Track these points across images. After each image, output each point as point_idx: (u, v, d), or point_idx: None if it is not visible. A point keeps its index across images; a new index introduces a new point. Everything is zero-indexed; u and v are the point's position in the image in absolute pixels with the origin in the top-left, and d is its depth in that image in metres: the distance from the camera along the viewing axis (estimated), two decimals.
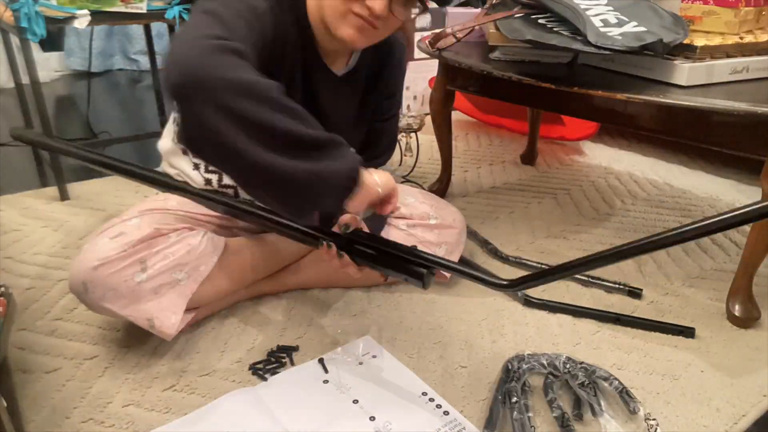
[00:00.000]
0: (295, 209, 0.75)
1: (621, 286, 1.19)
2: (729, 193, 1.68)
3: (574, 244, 1.39)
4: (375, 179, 0.77)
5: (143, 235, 0.92)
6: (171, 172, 1.12)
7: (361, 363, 0.97)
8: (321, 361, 0.96)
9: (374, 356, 0.99)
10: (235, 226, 1.12)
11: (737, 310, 1.08)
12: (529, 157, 1.91)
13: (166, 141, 1.14)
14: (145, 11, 1.53)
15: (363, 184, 0.75)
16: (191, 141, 0.70)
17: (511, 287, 0.78)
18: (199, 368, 0.96)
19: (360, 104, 1.08)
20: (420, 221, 1.12)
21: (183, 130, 0.69)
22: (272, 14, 0.85)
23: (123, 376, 0.94)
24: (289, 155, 0.68)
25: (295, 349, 0.99)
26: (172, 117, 1.06)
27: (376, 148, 1.15)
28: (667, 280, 1.24)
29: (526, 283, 0.76)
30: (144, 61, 3.34)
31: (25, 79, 1.58)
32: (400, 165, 1.82)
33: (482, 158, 1.97)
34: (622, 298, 1.18)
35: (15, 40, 1.59)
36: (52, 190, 1.63)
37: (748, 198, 1.62)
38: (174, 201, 1.03)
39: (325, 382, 0.91)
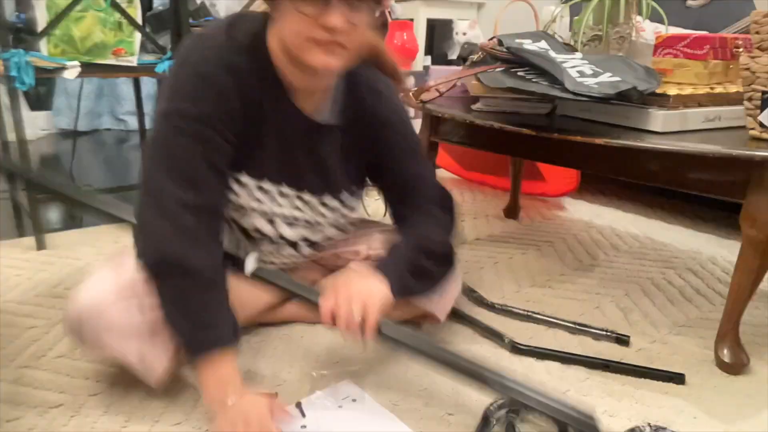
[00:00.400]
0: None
1: (608, 333, 1.17)
2: (709, 246, 1.70)
3: (559, 293, 1.38)
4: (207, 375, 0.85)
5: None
6: None
7: (340, 407, 0.93)
8: (299, 405, 0.91)
9: (354, 400, 0.95)
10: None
11: (726, 356, 1.06)
12: (512, 211, 1.93)
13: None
14: (135, 64, 1.57)
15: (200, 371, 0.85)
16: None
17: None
18: (171, 418, 0.91)
19: (347, 156, 1.02)
20: None
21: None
22: (234, 86, 0.86)
23: (89, 425, 0.88)
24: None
25: (273, 395, 0.95)
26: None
27: (403, 199, 1.06)
28: (653, 328, 1.23)
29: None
30: (132, 121, 3.38)
31: (11, 137, 1.58)
32: (384, 216, 1.82)
33: (466, 212, 1.98)
34: (610, 346, 1.16)
35: (4, 100, 1.59)
36: (29, 240, 1.59)
37: (728, 252, 1.64)
38: None
39: (303, 427, 0.87)
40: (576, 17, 1.44)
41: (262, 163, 0.96)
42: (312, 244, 1.09)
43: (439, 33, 3.92)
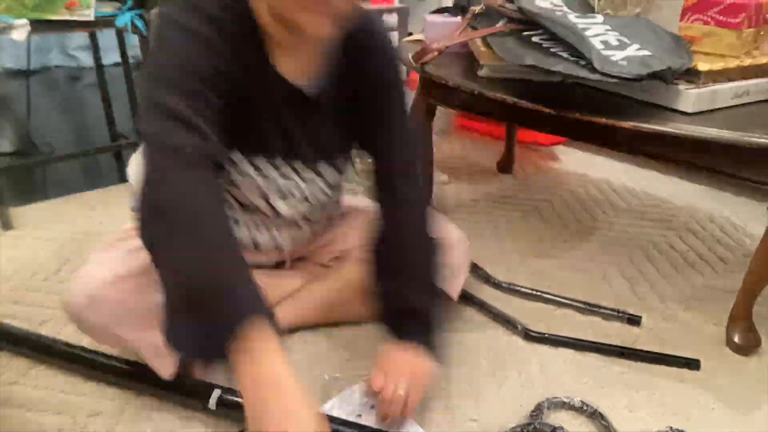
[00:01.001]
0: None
1: (620, 314, 1.16)
2: (705, 201, 1.68)
3: (564, 263, 1.36)
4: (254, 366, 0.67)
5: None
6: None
7: (359, 415, 0.90)
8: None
9: (372, 407, 0.92)
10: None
11: (737, 338, 1.06)
12: (506, 165, 1.86)
13: (136, 171, 1.00)
14: (92, 18, 1.37)
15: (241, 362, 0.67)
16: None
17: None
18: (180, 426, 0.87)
19: (341, 120, 0.92)
20: None
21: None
22: (224, 31, 0.75)
23: None
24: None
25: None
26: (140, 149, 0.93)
27: (391, 186, 0.94)
28: (661, 303, 1.22)
29: None
30: (83, 57, 3.09)
31: None
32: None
33: (458, 167, 1.91)
34: (622, 326, 1.15)
35: None
36: None
37: (725, 208, 1.63)
38: None
39: None
40: None
41: (257, 139, 0.88)
42: (311, 222, 1.03)
43: None
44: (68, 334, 1.06)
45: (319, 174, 0.97)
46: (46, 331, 1.08)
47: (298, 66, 0.84)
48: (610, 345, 1.07)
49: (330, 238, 1.12)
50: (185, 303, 0.67)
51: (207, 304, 0.65)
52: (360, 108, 0.91)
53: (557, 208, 1.63)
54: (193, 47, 0.73)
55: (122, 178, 1.71)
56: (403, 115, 0.95)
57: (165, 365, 0.88)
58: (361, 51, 0.88)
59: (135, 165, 1.03)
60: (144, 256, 0.73)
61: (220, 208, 0.75)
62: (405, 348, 0.87)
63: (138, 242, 0.71)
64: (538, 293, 1.22)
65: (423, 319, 0.90)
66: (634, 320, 1.15)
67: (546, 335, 1.09)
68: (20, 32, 1.27)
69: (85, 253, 1.33)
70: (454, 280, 1.08)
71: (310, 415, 0.64)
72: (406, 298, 0.89)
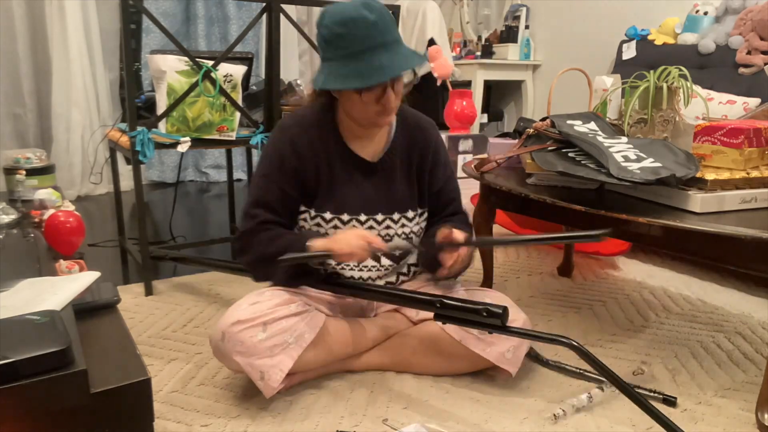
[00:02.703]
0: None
1: (656, 394, 1.27)
2: (760, 310, 1.76)
3: (610, 352, 1.49)
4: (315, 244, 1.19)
5: (272, 305, 1.19)
6: None
7: None
8: None
9: None
10: (339, 303, 1.35)
11: (766, 419, 1.14)
12: (565, 270, 2.05)
13: None
14: (234, 138, 1.83)
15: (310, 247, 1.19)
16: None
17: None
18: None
19: (407, 181, 1.33)
20: None
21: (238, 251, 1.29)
22: (298, 150, 1.24)
23: None
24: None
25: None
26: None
27: (443, 209, 1.38)
28: (699, 390, 1.31)
29: None
30: (213, 174, 3.73)
31: (110, 188, 1.88)
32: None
33: (521, 269, 2.11)
34: (657, 406, 1.25)
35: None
36: (139, 286, 1.85)
37: None
38: None
39: None
40: (624, 99, 1.59)
41: (339, 202, 1.28)
42: (392, 270, 1.36)
43: (495, 92, 4.12)
44: (188, 368, 1.36)
45: (395, 222, 1.31)
46: (171, 367, 1.38)
47: (365, 144, 1.29)
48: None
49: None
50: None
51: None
52: (416, 166, 1.33)
53: (610, 309, 1.78)
54: (278, 169, 1.25)
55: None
56: (447, 165, 1.38)
57: (266, 387, 1.16)
58: (409, 125, 1.33)
59: None
60: (256, 309, 1.17)
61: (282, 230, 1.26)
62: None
63: (257, 298, 1.21)
64: (581, 371, 1.36)
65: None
66: (669, 401, 1.26)
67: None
68: (183, 146, 1.73)
69: (206, 315, 1.68)
70: (513, 357, 1.29)
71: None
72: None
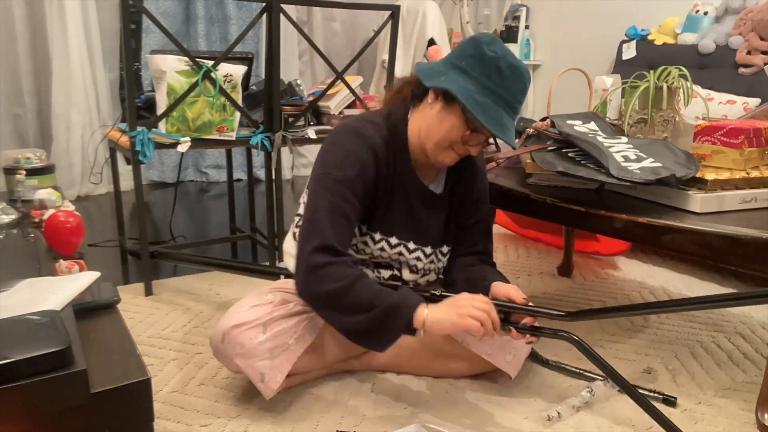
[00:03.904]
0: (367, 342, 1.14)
1: (656, 394, 1.27)
2: (760, 310, 1.76)
3: (610, 353, 1.49)
4: (431, 317, 1.06)
5: (272, 306, 1.19)
6: (291, 263, 1.32)
7: None
8: None
9: None
10: None
11: (766, 419, 1.14)
12: (565, 270, 2.05)
13: (290, 244, 1.34)
14: (234, 138, 1.83)
15: (426, 323, 1.06)
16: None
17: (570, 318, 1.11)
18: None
19: (448, 209, 1.31)
20: None
21: (301, 284, 1.13)
22: (373, 161, 1.15)
23: None
24: (365, 334, 1.10)
25: None
26: (294, 223, 1.34)
27: (473, 243, 1.34)
28: (699, 390, 1.31)
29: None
30: (213, 173, 3.73)
31: (110, 188, 1.88)
32: None
33: (521, 269, 2.11)
34: (658, 406, 1.25)
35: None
36: (138, 286, 1.85)
37: None
38: (293, 284, 1.27)
39: None
40: (624, 99, 1.59)
41: (392, 223, 1.23)
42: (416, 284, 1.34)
43: None
44: (188, 368, 1.36)
45: (438, 256, 1.31)
46: (171, 367, 1.38)
47: (429, 174, 1.25)
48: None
49: None
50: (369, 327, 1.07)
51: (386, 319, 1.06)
52: (458, 200, 1.31)
53: None
54: (358, 154, 1.14)
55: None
56: (487, 210, 1.38)
57: (266, 389, 1.16)
58: (465, 164, 1.26)
59: (290, 239, 1.36)
60: (256, 311, 1.16)
61: (359, 272, 1.12)
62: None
63: (258, 300, 1.18)
64: (581, 371, 1.36)
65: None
66: (669, 401, 1.26)
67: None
68: (183, 146, 1.73)
69: (206, 315, 1.68)
70: (514, 360, 1.30)
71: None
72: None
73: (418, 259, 1.27)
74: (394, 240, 1.23)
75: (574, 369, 1.38)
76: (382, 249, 1.23)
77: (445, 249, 1.32)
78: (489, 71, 1.08)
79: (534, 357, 1.44)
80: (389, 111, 1.23)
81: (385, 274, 1.27)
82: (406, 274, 1.28)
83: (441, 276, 1.36)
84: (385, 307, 1.05)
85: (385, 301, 1.06)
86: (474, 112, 1.06)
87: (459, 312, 1.05)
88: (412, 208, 1.23)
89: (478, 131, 1.13)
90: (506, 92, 1.09)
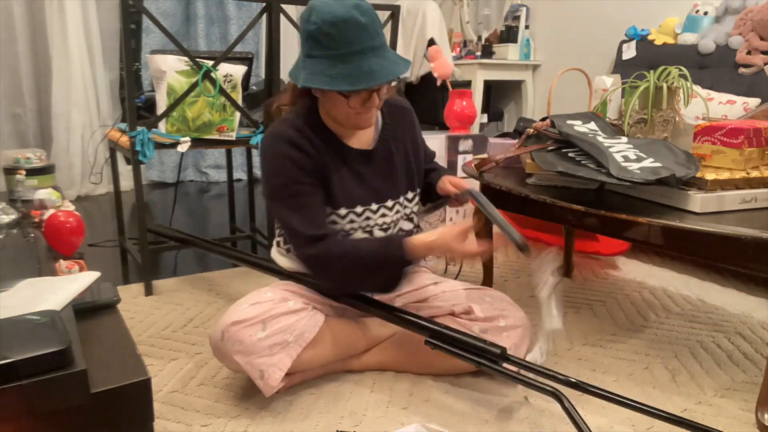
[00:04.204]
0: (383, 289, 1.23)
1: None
2: (760, 310, 1.76)
3: (610, 353, 1.49)
4: (415, 244, 1.17)
5: (272, 303, 1.20)
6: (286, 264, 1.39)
7: None
8: None
9: None
10: (341, 306, 1.34)
11: (766, 419, 1.14)
12: (565, 270, 2.05)
13: (278, 256, 1.41)
14: (234, 138, 1.83)
15: (416, 250, 1.17)
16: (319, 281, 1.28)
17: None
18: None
19: (405, 163, 1.36)
20: (491, 324, 1.30)
21: (313, 275, 1.27)
22: (301, 151, 1.20)
23: None
24: (371, 278, 1.21)
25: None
26: (277, 233, 1.41)
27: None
28: (699, 390, 1.31)
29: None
30: (213, 173, 3.73)
31: (110, 188, 1.88)
32: (445, 273, 1.99)
33: (521, 269, 2.11)
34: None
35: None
36: (138, 286, 1.85)
37: None
38: (293, 284, 1.31)
39: None
40: (624, 98, 1.59)
41: (349, 194, 1.26)
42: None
43: (495, 92, 4.13)
44: (189, 368, 1.36)
45: (401, 206, 1.36)
46: (171, 367, 1.38)
47: (358, 135, 1.29)
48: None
49: (418, 297, 1.40)
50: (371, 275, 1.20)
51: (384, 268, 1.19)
52: (411, 146, 1.37)
53: (610, 308, 1.78)
54: (295, 174, 1.20)
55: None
56: (423, 140, 1.45)
57: (265, 386, 1.16)
58: (392, 109, 1.35)
59: (276, 252, 1.43)
60: (256, 308, 1.17)
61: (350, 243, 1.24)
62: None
63: (258, 298, 1.20)
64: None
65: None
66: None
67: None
68: (183, 146, 1.73)
69: (206, 315, 1.68)
70: (515, 352, 1.30)
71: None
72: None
73: (383, 215, 1.31)
74: (359, 209, 1.27)
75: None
76: (351, 221, 1.27)
77: (410, 195, 1.38)
78: (321, 42, 1.11)
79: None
80: (295, 107, 1.28)
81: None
82: (379, 234, 1.32)
83: (413, 221, 1.41)
84: (381, 255, 1.18)
85: (378, 247, 1.20)
86: (333, 88, 1.12)
87: (439, 237, 1.18)
88: (358, 173, 1.27)
89: (359, 93, 1.14)
90: (348, 46, 1.10)
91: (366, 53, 1.10)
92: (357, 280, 1.22)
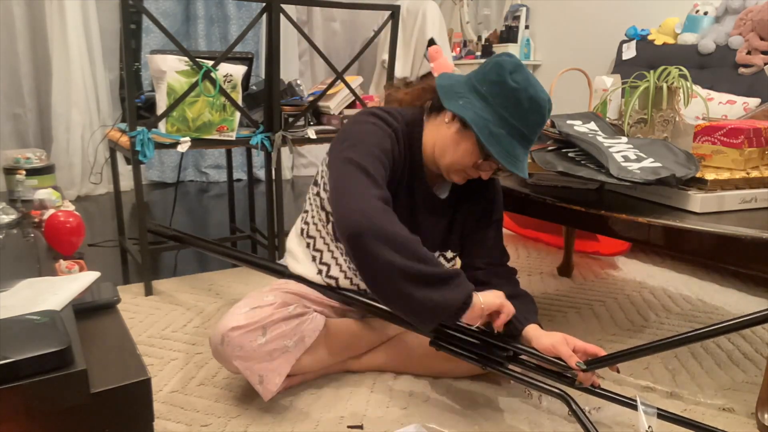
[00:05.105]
0: (419, 323, 1.07)
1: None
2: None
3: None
4: (481, 301, 1.05)
5: (272, 308, 1.18)
6: (291, 262, 1.33)
7: None
8: None
9: None
10: (343, 308, 1.33)
11: (766, 419, 1.14)
12: (565, 270, 2.05)
13: (294, 242, 1.35)
14: (234, 138, 1.83)
15: (473, 306, 1.03)
16: (360, 269, 1.04)
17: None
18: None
19: (451, 215, 1.30)
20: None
21: (355, 263, 1.04)
22: (394, 147, 1.15)
23: None
24: (421, 287, 1.01)
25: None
26: (302, 219, 1.34)
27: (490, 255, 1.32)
28: (699, 390, 1.31)
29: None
30: (213, 173, 3.73)
31: (110, 188, 1.88)
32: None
33: (521, 269, 2.11)
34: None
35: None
36: (138, 287, 1.85)
37: None
38: (293, 284, 1.29)
39: None
40: (624, 98, 1.59)
41: None
42: None
43: None
44: (188, 368, 1.36)
45: (442, 258, 1.30)
46: (171, 367, 1.38)
47: (437, 180, 1.25)
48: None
49: None
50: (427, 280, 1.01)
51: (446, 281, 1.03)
52: (468, 215, 1.30)
53: (610, 308, 1.78)
54: (384, 135, 1.14)
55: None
56: (497, 222, 1.33)
57: (264, 391, 1.16)
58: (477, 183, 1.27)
59: (294, 239, 1.36)
60: (255, 313, 1.15)
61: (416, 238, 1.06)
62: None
63: (258, 302, 1.17)
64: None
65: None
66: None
67: None
68: (183, 146, 1.73)
69: (206, 315, 1.68)
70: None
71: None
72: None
73: None
74: None
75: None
76: None
77: (449, 254, 1.32)
78: (508, 102, 1.08)
79: None
80: (405, 110, 1.23)
81: None
82: None
83: None
84: (444, 272, 1.03)
85: (445, 269, 1.04)
86: (487, 144, 1.07)
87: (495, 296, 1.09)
88: (414, 207, 1.24)
89: (491, 159, 1.13)
90: (523, 125, 1.09)
91: (524, 140, 1.11)
92: (404, 256, 1.00)
